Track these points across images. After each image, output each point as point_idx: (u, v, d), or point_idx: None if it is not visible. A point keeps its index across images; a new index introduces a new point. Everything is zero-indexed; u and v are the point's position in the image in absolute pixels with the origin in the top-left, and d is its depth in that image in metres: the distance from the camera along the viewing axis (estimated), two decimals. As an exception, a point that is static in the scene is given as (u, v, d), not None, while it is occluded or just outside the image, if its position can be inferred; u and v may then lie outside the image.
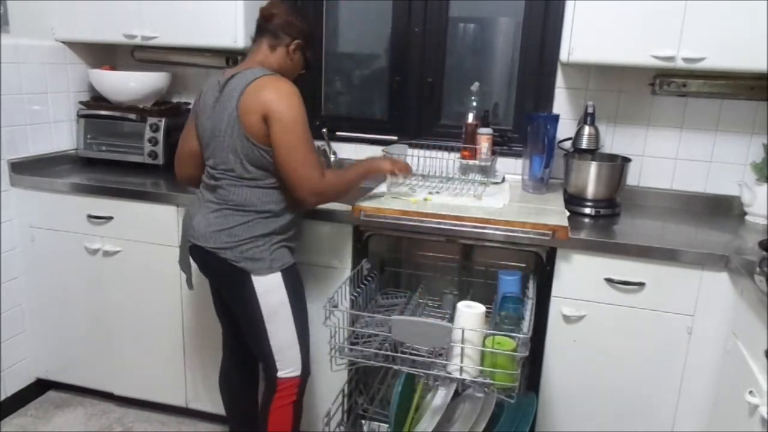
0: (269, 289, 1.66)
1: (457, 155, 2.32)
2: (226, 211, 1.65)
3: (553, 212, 1.90)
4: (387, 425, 1.96)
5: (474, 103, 2.31)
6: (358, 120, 2.59)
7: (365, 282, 1.90)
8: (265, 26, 1.69)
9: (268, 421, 1.73)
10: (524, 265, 2.04)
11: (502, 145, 2.36)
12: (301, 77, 1.79)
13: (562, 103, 2.28)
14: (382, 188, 2.09)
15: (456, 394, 1.79)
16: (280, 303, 1.67)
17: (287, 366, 1.73)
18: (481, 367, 1.53)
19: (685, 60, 1.84)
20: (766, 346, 1.32)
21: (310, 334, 1.79)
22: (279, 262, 1.67)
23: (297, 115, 1.58)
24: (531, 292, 1.78)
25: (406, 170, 1.94)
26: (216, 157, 1.67)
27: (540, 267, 1.84)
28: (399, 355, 1.62)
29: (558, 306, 1.83)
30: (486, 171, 2.28)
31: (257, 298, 1.65)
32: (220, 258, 1.64)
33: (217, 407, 2.21)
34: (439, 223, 1.82)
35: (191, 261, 1.78)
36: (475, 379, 1.54)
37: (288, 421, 1.74)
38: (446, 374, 1.57)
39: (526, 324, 1.60)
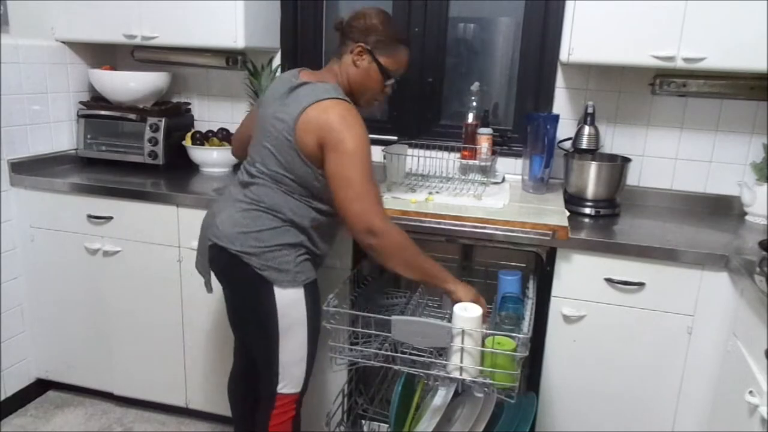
0: (290, 304, 1.57)
1: (457, 155, 2.32)
2: (255, 212, 1.57)
3: (553, 212, 1.90)
4: (387, 425, 1.96)
5: (474, 103, 2.31)
6: (358, 120, 2.59)
7: (365, 282, 1.90)
8: (338, 35, 1.62)
9: None
10: (524, 265, 2.04)
11: (502, 145, 2.36)
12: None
13: (562, 103, 2.28)
14: (383, 188, 2.09)
15: (456, 394, 1.78)
16: (298, 319, 1.59)
17: (288, 382, 1.65)
18: (481, 367, 1.53)
19: (685, 60, 1.84)
20: (766, 346, 1.32)
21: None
22: (303, 276, 1.58)
23: (357, 146, 1.46)
24: (531, 292, 1.78)
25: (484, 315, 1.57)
26: (258, 154, 1.60)
27: (540, 267, 1.84)
28: (399, 355, 1.61)
29: (558, 306, 1.83)
30: (486, 171, 2.28)
31: (276, 311, 1.56)
32: (243, 263, 1.55)
33: (217, 407, 2.21)
34: (439, 223, 1.82)
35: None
36: (475, 379, 1.53)
37: None
38: (446, 374, 1.57)
39: (526, 324, 1.60)
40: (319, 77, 1.60)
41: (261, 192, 1.58)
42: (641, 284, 1.76)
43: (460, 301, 1.59)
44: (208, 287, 1.76)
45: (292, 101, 1.53)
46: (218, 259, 1.62)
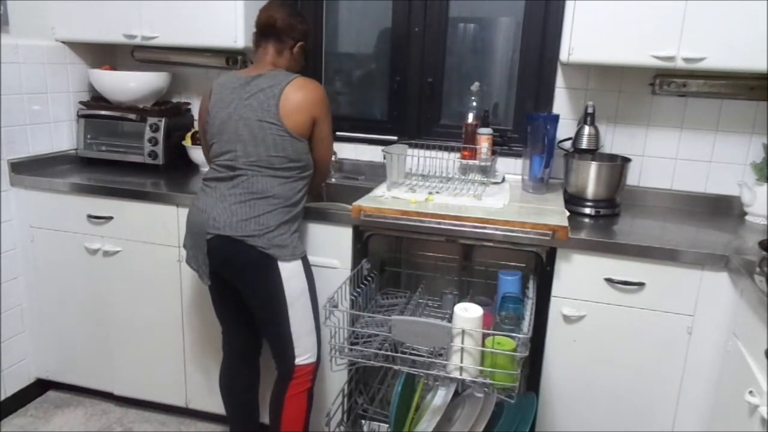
0: (292, 276, 1.72)
1: (457, 155, 2.32)
2: (251, 201, 1.69)
3: (553, 212, 1.90)
4: (387, 425, 1.96)
5: (474, 103, 2.31)
6: (358, 120, 2.59)
7: (365, 282, 1.90)
8: (268, 31, 1.76)
9: (283, 407, 1.76)
10: (524, 265, 2.04)
11: (502, 145, 2.36)
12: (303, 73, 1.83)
13: (562, 103, 2.28)
14: (383, 188, 2.10)
15: (456, 394, 1.79)
16: (301, 289, 1.74)
17: (304, 352, 1.77)
18: (481, 367, 1.53)
19: (685, 60, 1.84)
20: (766, 346, 1.32)
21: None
22: (299, 250, 1.75)
23: (329, 111, 1.81)
24: (531, 292, 1.78)
25: None
26: (236, 149, 1.70)
27: (540, 267, 1.84)
28: (399, 355, 1.62)
29: (558, 306, 1.83)
30: (486, 171, 2.28)
31: (282, 284, 1.70)
32: (247, 245, 1.66)
33: (217, 407, 2.21)
34: (439, 223, 1.82)
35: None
36: (475, 379, 1.54)
37: (303, 408, 1.78)
38: (446, 374, 1.57)
39: (526, 324, 1.60)
40: (262, 69, 1.76)
41: (249, 182, 1.70)
42: (641, 284, 1.76)
43: None
44: (205, 279, 1.79)
45: (257, 92, 1.69)
46: (220, 248, 1.71)
